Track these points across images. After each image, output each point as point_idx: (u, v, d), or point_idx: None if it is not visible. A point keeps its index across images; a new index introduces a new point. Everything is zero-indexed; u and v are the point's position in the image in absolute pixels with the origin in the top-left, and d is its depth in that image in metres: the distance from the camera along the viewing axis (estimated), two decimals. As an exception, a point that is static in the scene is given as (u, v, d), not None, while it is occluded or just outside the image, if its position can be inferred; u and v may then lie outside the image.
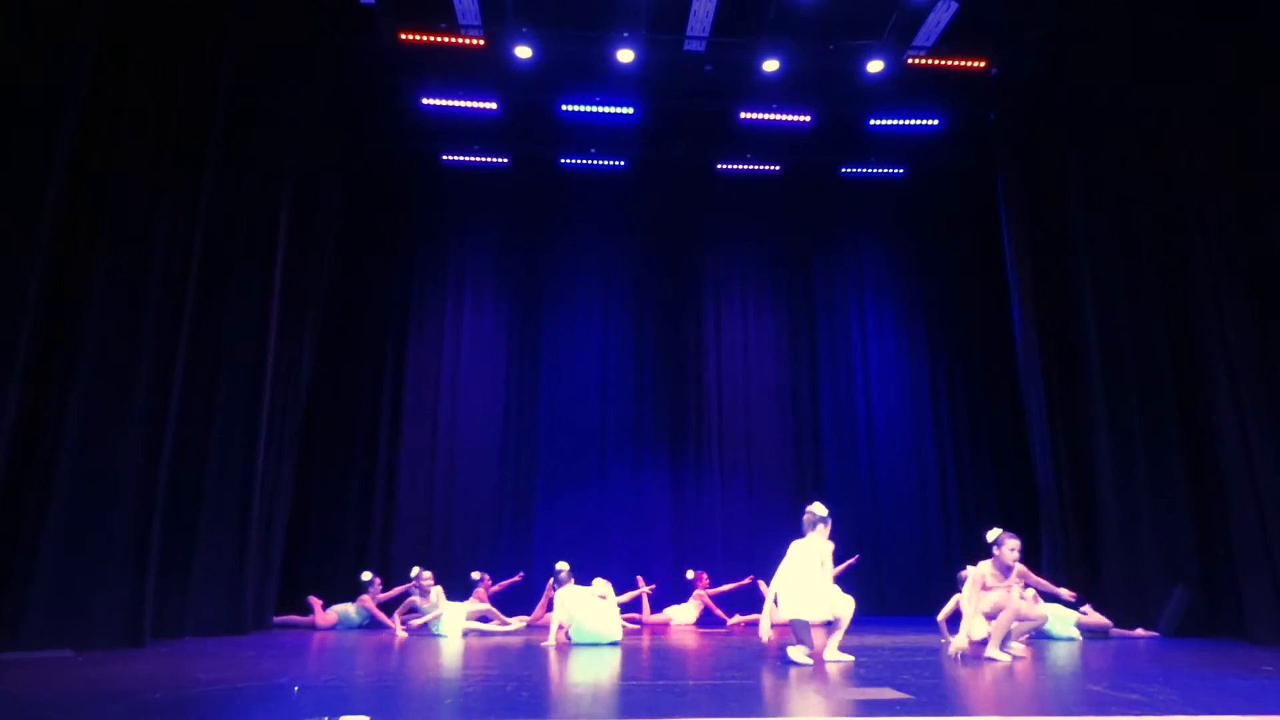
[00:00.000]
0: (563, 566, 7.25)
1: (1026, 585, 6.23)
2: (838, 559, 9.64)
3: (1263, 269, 6.78)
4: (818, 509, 5.63)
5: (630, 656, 5.88)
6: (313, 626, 8.75)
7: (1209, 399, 7.27)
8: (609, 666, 5.35)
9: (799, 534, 5.63)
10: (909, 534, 11.09)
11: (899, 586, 10.74)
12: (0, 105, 5.51)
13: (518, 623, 8.54)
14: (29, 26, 5.63)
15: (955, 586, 7.11)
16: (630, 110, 10.45)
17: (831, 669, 5.03)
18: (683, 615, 9.39)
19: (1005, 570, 5.86)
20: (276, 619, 8.70)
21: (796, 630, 5.35)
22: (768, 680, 4.56)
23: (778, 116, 10.54)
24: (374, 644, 7.01)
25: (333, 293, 10.26)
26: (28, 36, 5.63)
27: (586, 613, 6.79)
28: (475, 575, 8.99)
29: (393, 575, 9.82)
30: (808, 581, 5.41)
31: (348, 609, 8.99)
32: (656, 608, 9.57)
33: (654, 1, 8.78)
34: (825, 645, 5.38)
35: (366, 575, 9.17)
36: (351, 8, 8.60)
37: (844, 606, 5.46)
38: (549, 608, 7.92)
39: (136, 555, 6.15)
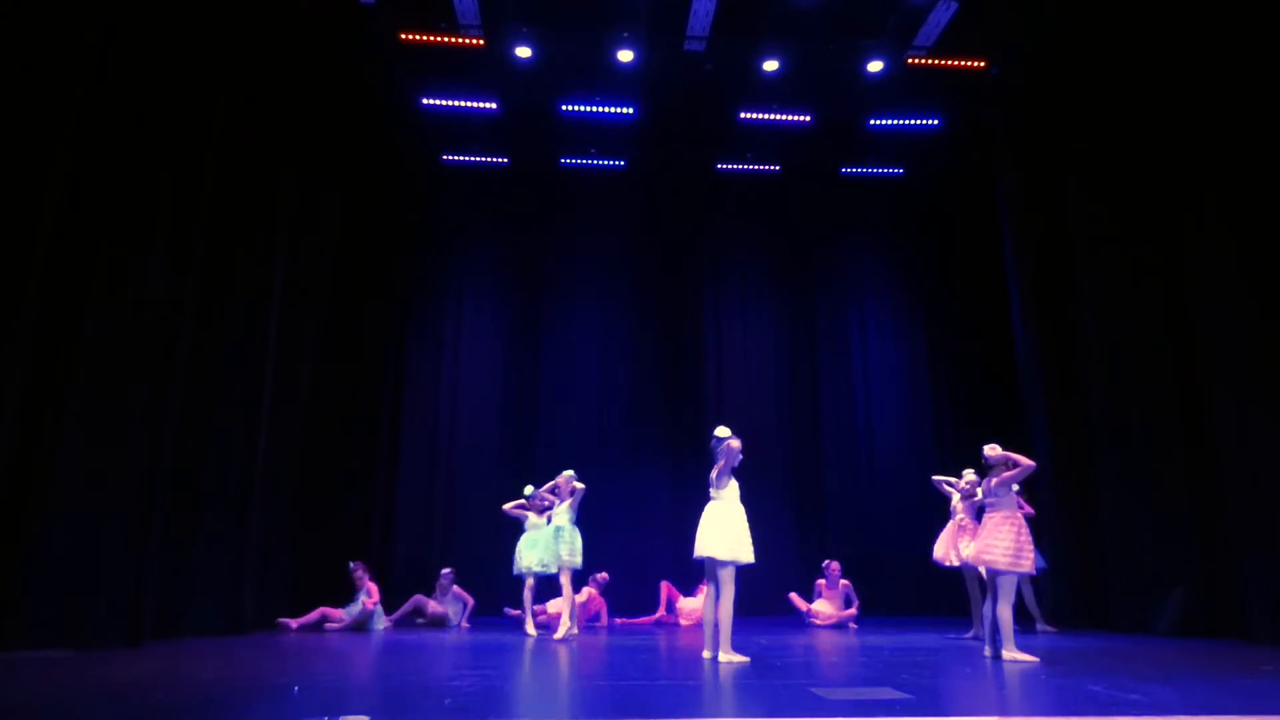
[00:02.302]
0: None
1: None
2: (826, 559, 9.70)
3: (1265, 268, 6.78)
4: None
5: (630, 656, 5.89)
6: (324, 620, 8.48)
7: (1209, 398, 7.27)
8: (609, 666, 5.35)
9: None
10: (909, 533, 11.06)
11: (899, 586, 10.73)
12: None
13: None
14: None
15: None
16: (630, 110, 10.45)
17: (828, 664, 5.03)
18: (694, 605, 9.33)
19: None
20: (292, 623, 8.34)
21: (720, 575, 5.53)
22: (766, 680, 4.55)
23: (778, 116, 10.53)
24: (374, 644, 7.00)
25: (333, 293, 10.25)
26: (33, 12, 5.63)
27: None
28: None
29: (393, 575, 9.81)
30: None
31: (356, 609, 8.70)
32: (657, 605, 9.62)
33: (654, 1, 8.78)
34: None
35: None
36: (351, 8, 8.59)
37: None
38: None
39: (136, 555, 6.15)
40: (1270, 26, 6.73)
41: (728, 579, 5.52)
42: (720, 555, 5.50)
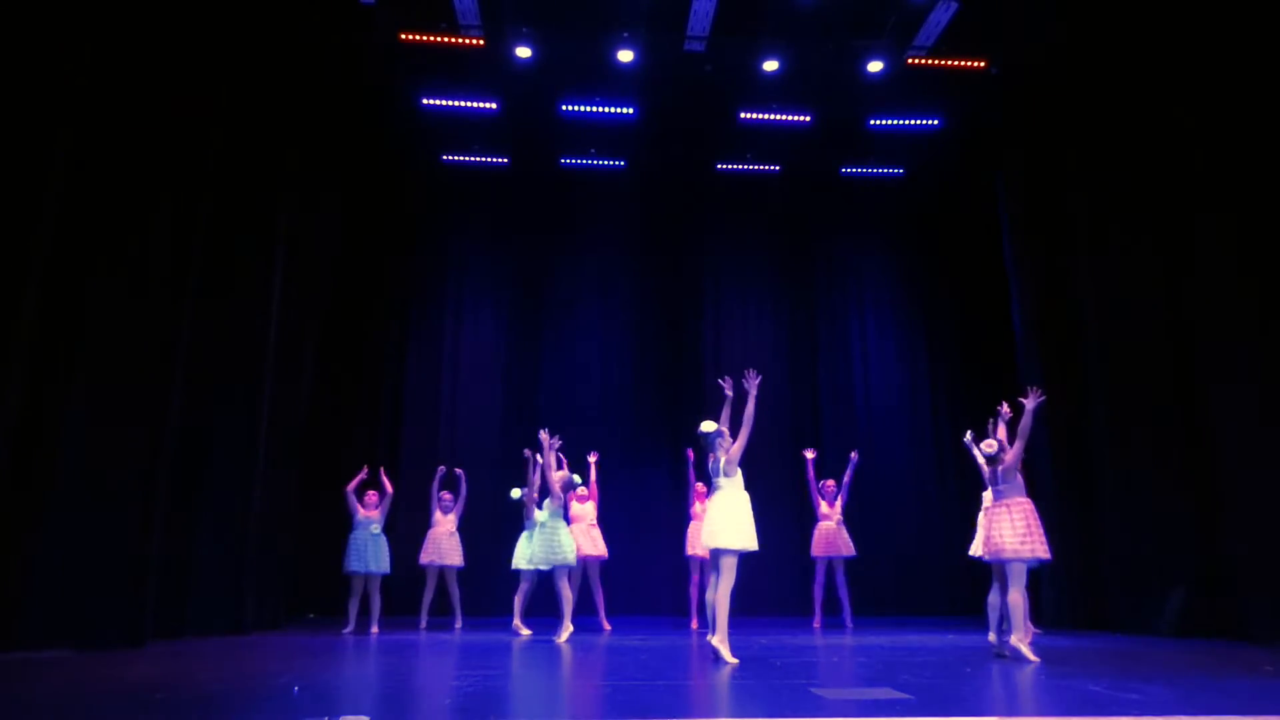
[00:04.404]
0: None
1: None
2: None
3: (1264, 268, 6.78)
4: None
5: (631, 655, 5.89)
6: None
7: (1209, 399, 7.27)
8: (609, 666, 5.35)
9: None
10: (909, 532, 11.08)
11: (899, 586, 10.73)
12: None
13: None
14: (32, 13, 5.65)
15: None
16: (630, 110, 10.44)
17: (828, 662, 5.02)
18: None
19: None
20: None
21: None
22: (766, 680, 4.55)
23: (778, 116, 10.52)
24: (374, 644, 7.00)
25: (333, 292, 10.25)
26: (30, 22, 5.63)
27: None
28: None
29: (393, 574, 9.81)
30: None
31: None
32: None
33: (654, 1, 8.78)
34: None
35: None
36: (351, 8, 8.59)
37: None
38: None
39: (136, 555, 6.15)
40: (1272, 25, 6.73)
41: (729, 566, 5.49)
42: (731, 545, 5.46)
